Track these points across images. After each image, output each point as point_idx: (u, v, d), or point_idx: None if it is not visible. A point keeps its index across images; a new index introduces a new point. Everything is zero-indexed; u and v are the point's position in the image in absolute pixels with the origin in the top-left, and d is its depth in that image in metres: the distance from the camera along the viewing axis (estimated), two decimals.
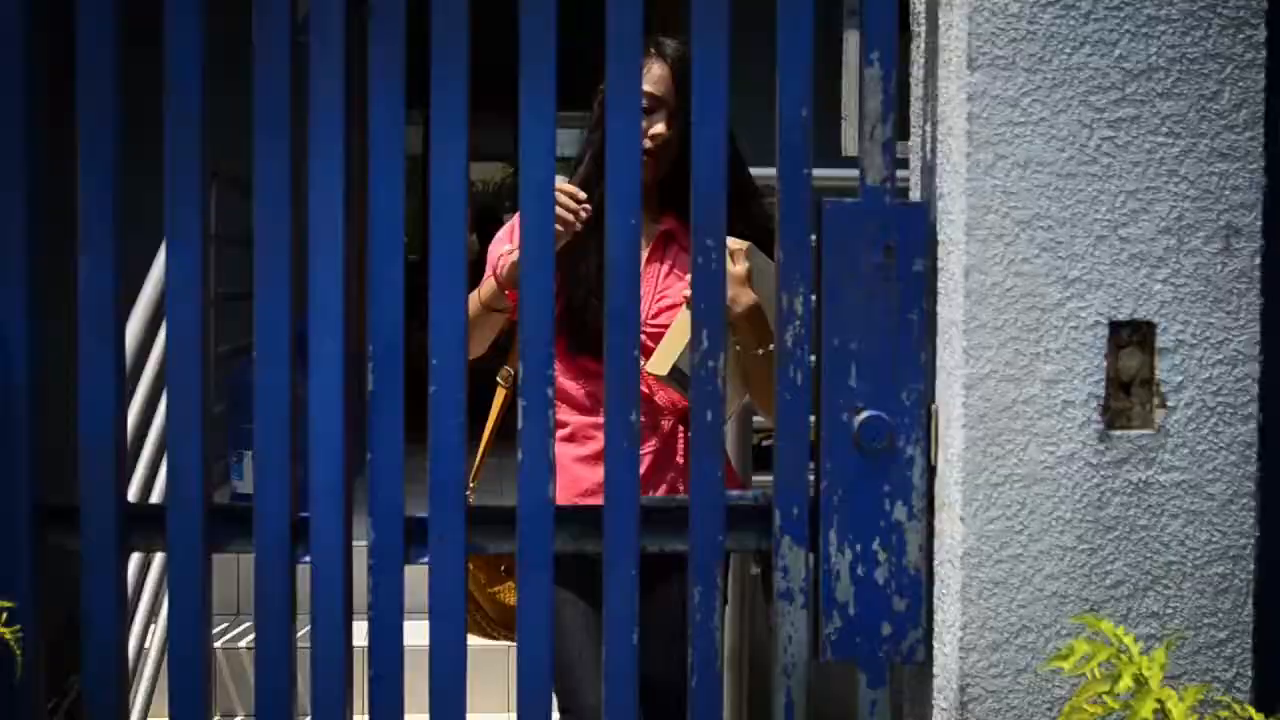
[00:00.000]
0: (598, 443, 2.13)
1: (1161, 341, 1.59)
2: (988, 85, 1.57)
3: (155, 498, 3.33)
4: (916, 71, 1.80)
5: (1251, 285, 1.59)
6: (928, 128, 1.73)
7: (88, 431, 1.68)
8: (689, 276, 1.86)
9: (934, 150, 1.70)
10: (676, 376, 2.27)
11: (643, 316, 1.97)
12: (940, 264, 1.66)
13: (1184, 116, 1.58)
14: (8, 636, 1.58)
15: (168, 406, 1.71)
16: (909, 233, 1.66)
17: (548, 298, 1.71)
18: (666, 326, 2.28)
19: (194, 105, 1.68)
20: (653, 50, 2.32)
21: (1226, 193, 1.59)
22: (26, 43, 1.67)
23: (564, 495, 2.16)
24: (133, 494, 3.17)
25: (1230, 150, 1.59)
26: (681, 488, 2.33)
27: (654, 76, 2.30)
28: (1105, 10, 1.57)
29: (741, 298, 2.21)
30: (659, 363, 2.30)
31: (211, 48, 1.69)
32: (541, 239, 1.71)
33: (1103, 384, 1.59)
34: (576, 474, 2.34)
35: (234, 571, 3.91)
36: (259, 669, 1.71)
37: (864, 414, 1.65)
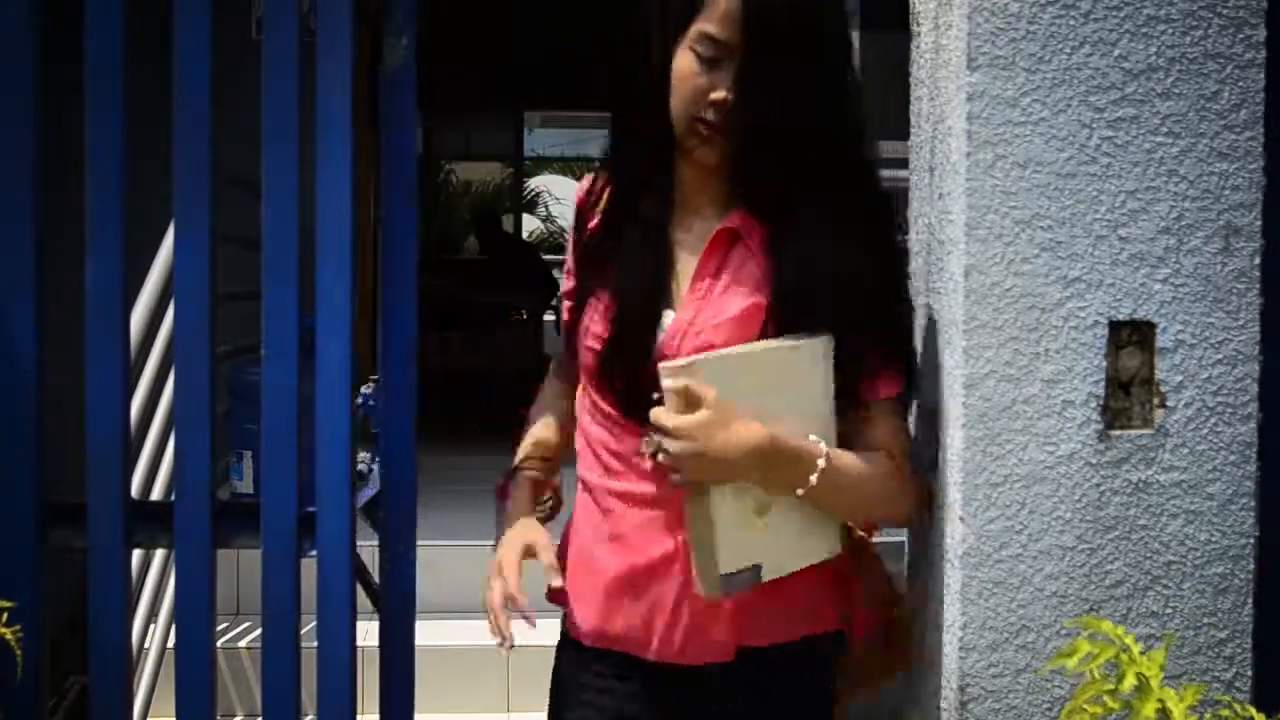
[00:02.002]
0: (617, 517, 1.68)
1: (1161, 341, 1.59)
2: (987, 85, 1.58)
3: (148, 498, 3.32)
4: (916, 71, 1.80)
5: (1251, 285, 1.59)
6: (928, 128, 1.74)
7: (95, 429, 1.69)
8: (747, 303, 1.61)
9: (934, 150, 1.70)
10: (738, 583, 1.57)
11: (668, 349, 1.63)
12: (940, 264, 1.67)
13: (1183, 116, 1.58)
14: (8, 636, 1.58)
15: (176, 404, 1.72)
16: None
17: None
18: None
19: (204, 104, 1.68)
20: None
21: (1226, 192, 1.59)
22: (36, 45, 1.68)
23: (584, 582, 1.72)
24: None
25: (1230, 150, 1.59)
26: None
27: (720, 12, 1.59)
28: (1105, 10, 1.57)
29: (724, 449, 1.52)
30: (705, 579, 1.56)
31: (220, 47, 1.70)
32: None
33: (1102, 384, 1.59)
34: (594, 556, 1.71)
35: (233, 571, 3.90)
36: (265, 662, 1.71)
37: None
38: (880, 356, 1.64)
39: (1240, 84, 1.58)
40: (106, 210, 1.68)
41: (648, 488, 1.65)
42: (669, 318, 1.66)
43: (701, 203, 1.69)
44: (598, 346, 1.68)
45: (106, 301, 1.69)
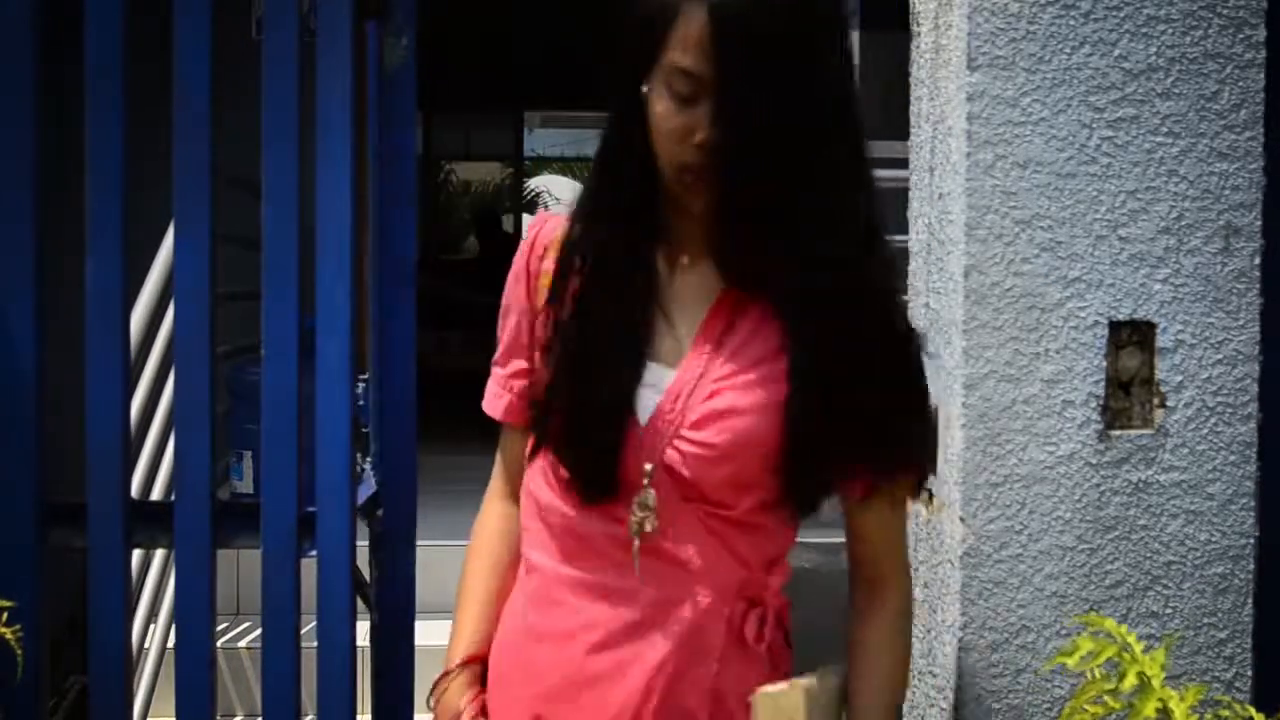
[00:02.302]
0: (569, 611, 1.40)
1: (1161, 341, 1.59)
2: (988, 85, 1.58)
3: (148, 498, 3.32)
4: (916, 71, 1.80)
5: (1251, 285, 1.59)
6: (928, 128, 1.74)
7: (95, 429, 1.69)
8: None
9: (934, 150, 1.70)
10: None
11: (672, 421, 1.38)
12: (940, 264, 1.67)
13: (1184, 116, 1.58)
14: (8, 636, 1.58)
15: (176, 404, 1.72)
16: None
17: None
18: (713, 446, 1.36)
19: (204, 104, 1.69)
20: None
21: (1226, 192, 1.59)
22: (36, 45, 1.68)
23: (512, 689, 1.44)
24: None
25: (1230, 150, 1.59)
26: None
27: (689, 38, 1.31)
28: (1105, 10, 1.57)
29: None
30: None
31: (220, 47, 1.70)
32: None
33: (1102, 384, 1.59)
34: (531, 657, 1.42)
35: (233, 571, 3.90)
36: (265, 662, 1.71)
37: None
38: (896, 448, 1.41)
39: (1240, 84, 1.59)
40: (106, 210, 1.68)
41: (613, 580, 1.38)
42: (660, 374, 1.40)
43: (697, 246, 1.42)
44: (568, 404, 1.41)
45: (106, 301, 1.69)
